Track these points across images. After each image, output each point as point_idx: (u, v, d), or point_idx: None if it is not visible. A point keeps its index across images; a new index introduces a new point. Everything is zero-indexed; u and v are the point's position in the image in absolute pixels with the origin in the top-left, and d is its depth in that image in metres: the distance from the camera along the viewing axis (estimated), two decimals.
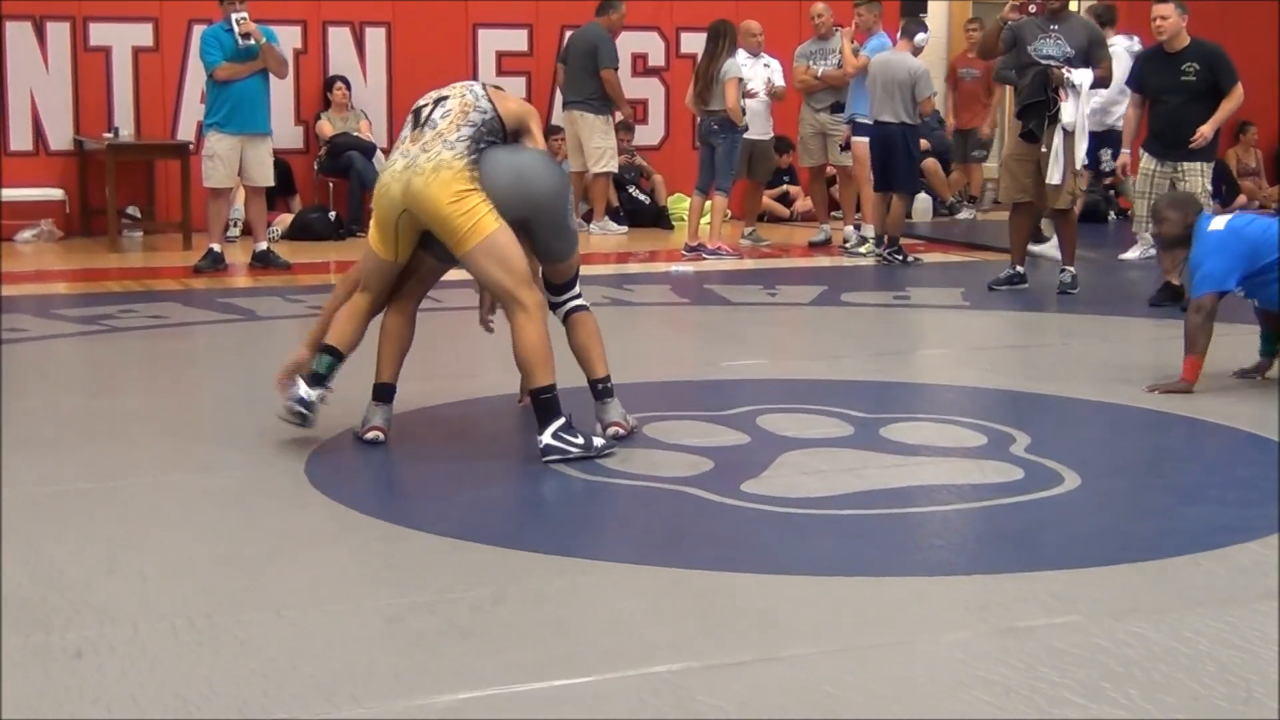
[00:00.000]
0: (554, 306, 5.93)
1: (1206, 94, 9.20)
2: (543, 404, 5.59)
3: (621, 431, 5.86)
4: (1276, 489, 5.24)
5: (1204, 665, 3.67)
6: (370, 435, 5.86)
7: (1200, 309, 6.75)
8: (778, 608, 4.12)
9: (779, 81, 12.71)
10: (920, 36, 12.24)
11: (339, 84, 13.61)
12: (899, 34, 12.40)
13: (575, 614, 4.12)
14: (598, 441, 5.65)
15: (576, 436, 5.58)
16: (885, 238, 11.78)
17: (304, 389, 5.66)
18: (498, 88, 6.07)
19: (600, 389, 5.94)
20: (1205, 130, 9.03)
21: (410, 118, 5.88)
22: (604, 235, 13.38)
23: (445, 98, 5.83)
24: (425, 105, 5.85)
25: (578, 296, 6.00)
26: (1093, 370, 7.44)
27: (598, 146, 13.21)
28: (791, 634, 3.93)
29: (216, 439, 5.92)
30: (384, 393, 5.92)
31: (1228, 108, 9.22)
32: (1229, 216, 7.15)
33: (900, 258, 11.66)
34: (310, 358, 5.82)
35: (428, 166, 5.57)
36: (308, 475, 5.39)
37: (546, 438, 5.56)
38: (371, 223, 5.83)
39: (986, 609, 4.13)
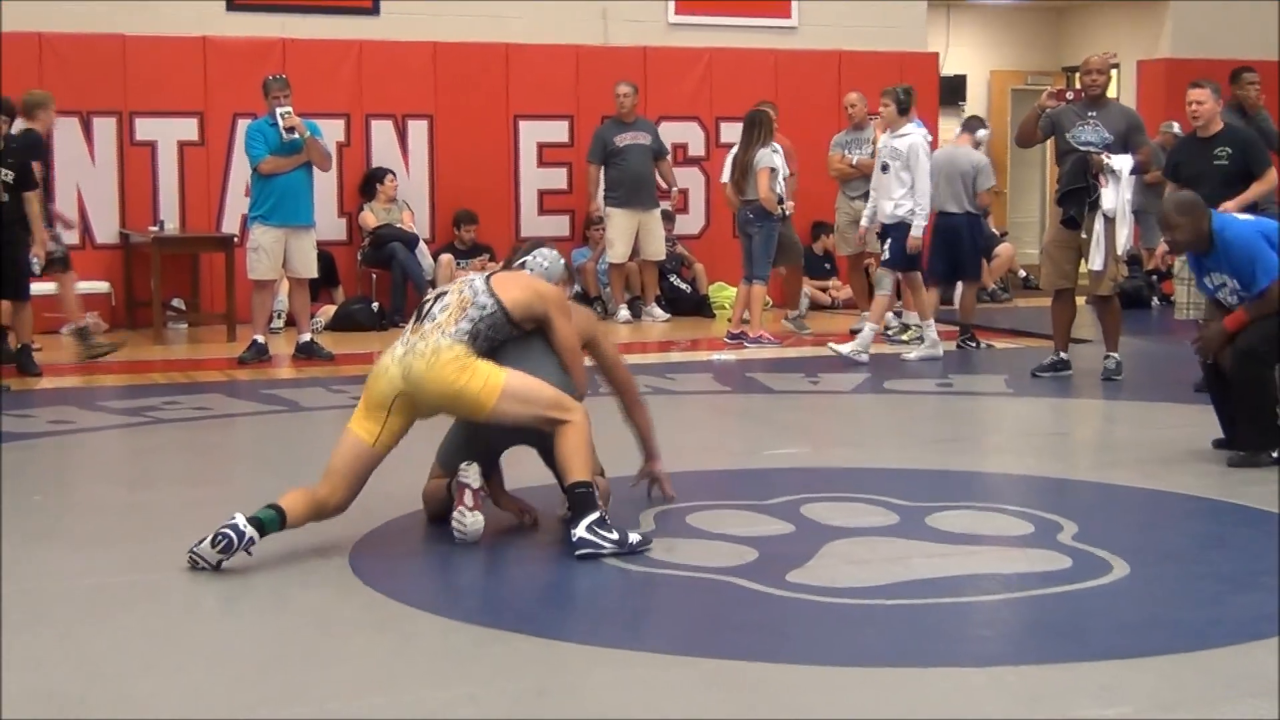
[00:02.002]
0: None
1: (1239, 179, 9.13)
2: (578, 499, 5.58)
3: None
4: None
5: None
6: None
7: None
8: (822, 700, 4.08)
9: (789, 169, 12.68)
10: (981, 133, 12.50)
11: (390, 175, 13.71)
12: (960, 129, 12.56)
13: (620, 706, 4.08)
14: (633, 537, 5.60)
15: (611, 532, 5.54)
16: (960, 326, 11.97)
17: (242, 522, 5.46)
18: (522, 266, 6.14)
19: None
20: (1230, 206, 8.96)
21: (415, 313, 5.96)
22: (652, 323, 13.55)
23: (445, 293, 5.91)
24: (428, 301, 5.94)
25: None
26: (1138, 456, 7.38)
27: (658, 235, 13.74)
28: None
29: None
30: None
31: (1257, 189, 9.14)
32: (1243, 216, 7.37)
33: (974, 344, 11.65)
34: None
35: (427, 351, 5.66)
36: (350, 565, 5.38)
37: (581, 531, 5.53)
38: (358, 407, 5.80)
39: (1036, 701, 4.08)
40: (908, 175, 11.04)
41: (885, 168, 11.26)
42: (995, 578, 5.29)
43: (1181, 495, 6.59)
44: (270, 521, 5.43)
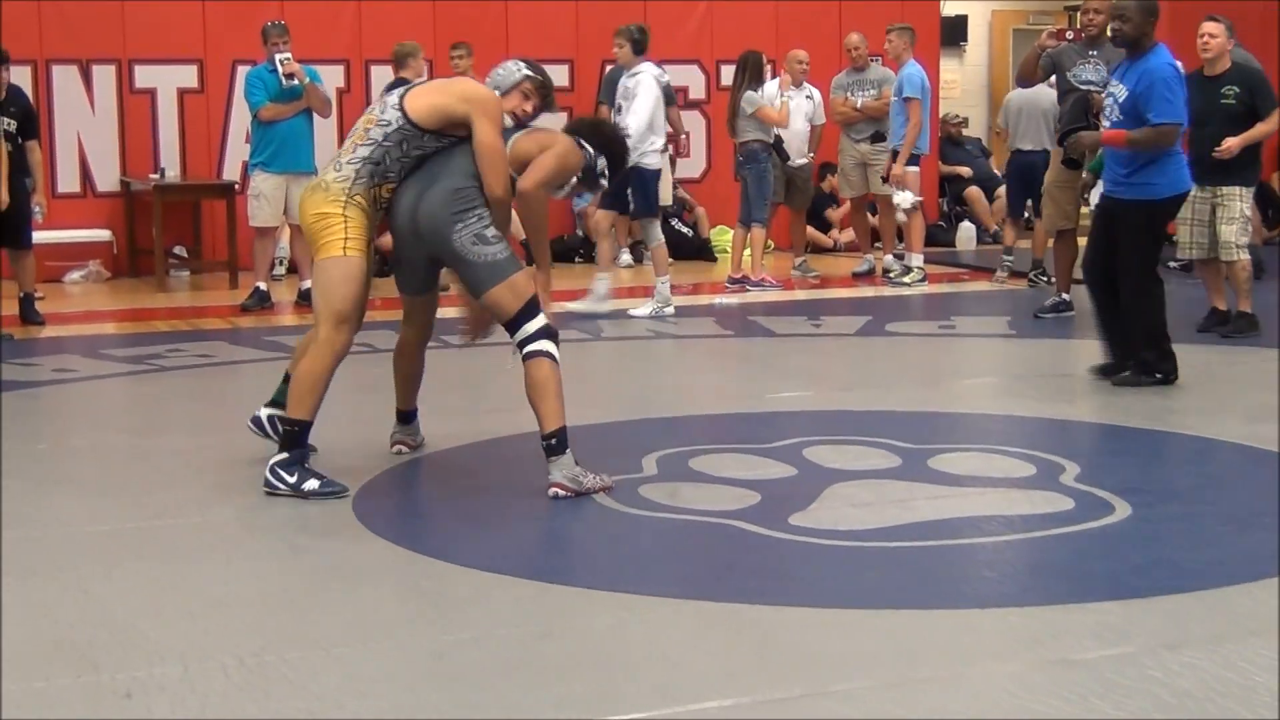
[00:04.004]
0: (519, 345, 5.59)
1: (1245, 118, 9.07)
2: (288, 435, 5.59)
3: (560, 494, 5.49)
4: None
5: (1259, 695, 3.62)
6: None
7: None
8: (826, 642, 4.09)
9: (819, 116, 12.76)
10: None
11: None
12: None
13: (623, 650, 4.10)
14: (310, 484, 5.54)
15: (292, 476, 5.54)
16: (1030, 261, 11.93)
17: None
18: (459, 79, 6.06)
19: (545, 445, 5.55)
20: (1232, 143, 8.91)
21: None
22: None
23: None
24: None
25: (533, 339, 5.52)
26: (1140, 398, 7.37)
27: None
28: (841, 668, 3.89)
29: (262, 475, 5.91)
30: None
31: (1262, 129, 9.10)
32: None
33: (1046, 279, 11.54)
34: None
35: (314, 183, 5.75)
36: (354, 511, 5.39)
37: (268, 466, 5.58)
38: None
39: (1038, 641, 4.09)
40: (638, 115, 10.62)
41: (618, 108, 10.90)
42: (998, 519, 5.29)
43: (1183, 435, 6.60)
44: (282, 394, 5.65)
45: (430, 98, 5.67)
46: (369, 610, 4.41)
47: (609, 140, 6.13)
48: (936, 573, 4.74)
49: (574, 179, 5.96)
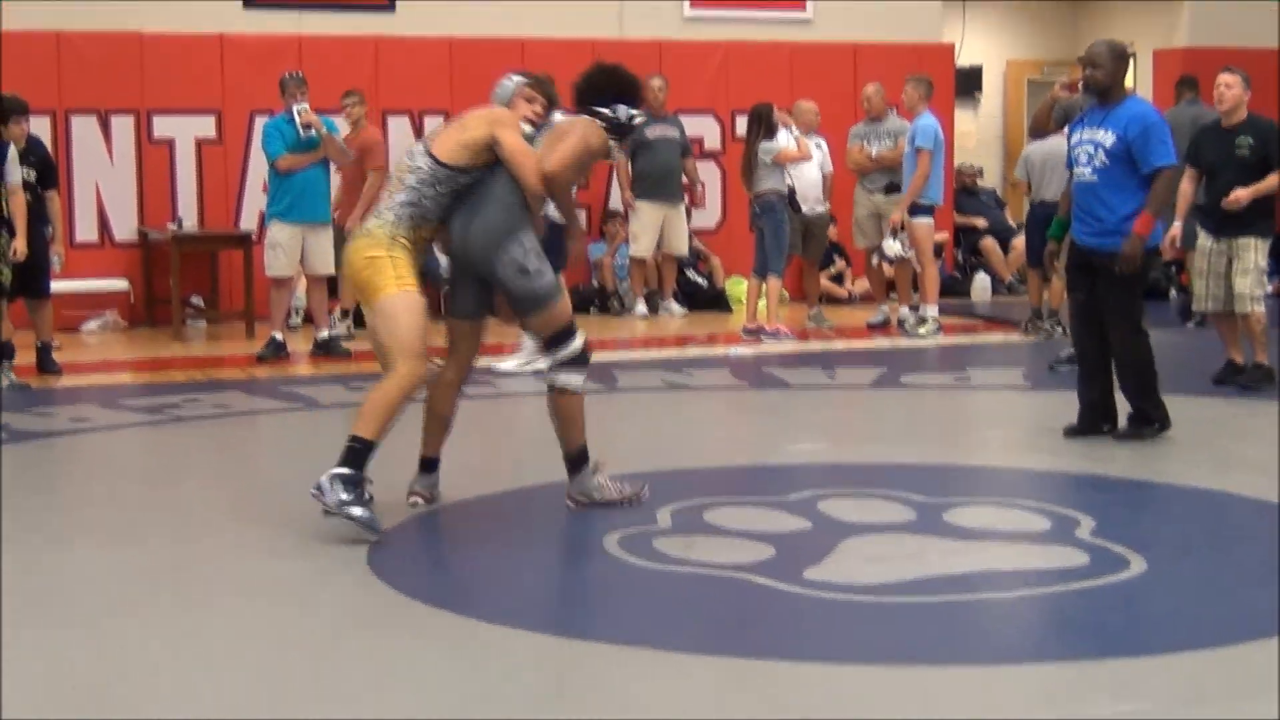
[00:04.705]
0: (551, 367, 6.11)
1: (1258, 169, 9.06)
2: (346, 449, 5.67)
3: (572, 506, 6.10)
4: None
5: None
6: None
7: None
8: (841, 699, 4.08)
9: (829, 165, 12.83)
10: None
11: None
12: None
13: (637, 704, 4.09)
14: (356, 511, 5.63)
15: (343, 493, 5.59)
16: (1045, 310, 11.89)
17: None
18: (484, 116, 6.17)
19: (567, 465, 6.13)
20: (1242, 194, 8.91)
21: None
22: (669, 318, 13.62)
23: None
24: None
25: (562, 367, 6.03)
26: (1155, 451, 7.37)
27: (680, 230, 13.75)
28: None
29: (278, 526, 5.94)
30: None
31: (1273, 180, 9.08)
32: None
33: (1063, 329, 11.52)
34: None
35: (358, 230, 6.00)
36: (369, 563, 5.39)
37: (327, 474, 5.62)
38: None
39: (1054, 698, 4.08)
40: None
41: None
42: (1013, 574, 5.28)
43: (1199, 490, 6.58)
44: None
45: (453, 137, 5.98)
46: (382, 663, 4.41)
47: (613, 84, 6.33)
48: (952, 628, 4.73)
49: (608, 147, 6.28)
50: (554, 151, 5.98)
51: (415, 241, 5.90)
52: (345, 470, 5.60)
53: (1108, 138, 7.40)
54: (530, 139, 6.09)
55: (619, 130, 6.23)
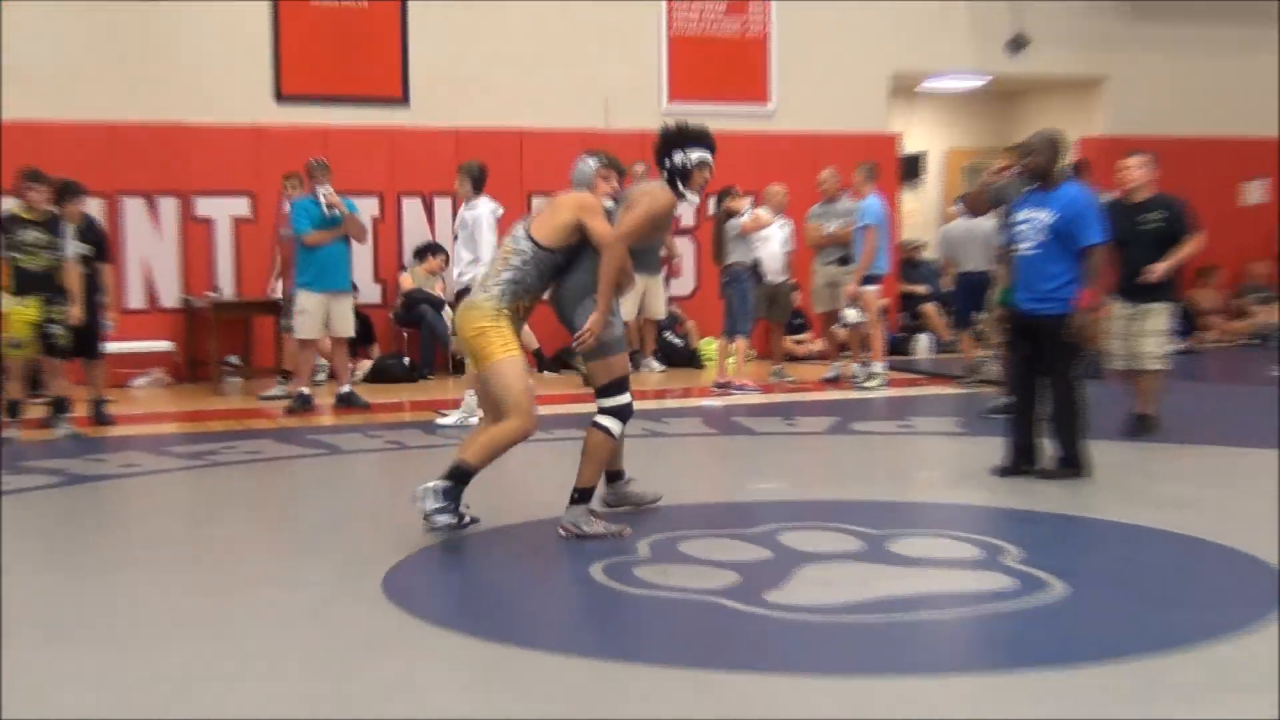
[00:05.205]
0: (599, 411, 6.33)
1: (1168, 242, 9.05)
2: (451, 467, 5.98)
3: (562, 534, 6.18)
4: (1239, 593, 5.20)
5: None
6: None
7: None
8: (796, 705, 4.11)
9: (791, 243, 12.97)
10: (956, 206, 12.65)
11: (442, 254, 13.68)
12: (954, 205, 12.77)
13: (618, 710, 4.11)
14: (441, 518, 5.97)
15: (441, 503, 5.94)
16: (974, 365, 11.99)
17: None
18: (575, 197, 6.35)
19: (571, 496, 6.26)
20: (1159, 268, 8.93)
21: None
22: (649, 373, 13.62)
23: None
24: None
25: (605, 413, 6.28)
26: (1075, 489, 7.41)
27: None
28: None
29: (304, 556, 5.95)
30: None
31: (1184, 252, 9.09)
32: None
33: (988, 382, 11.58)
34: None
35: (467, 303, 6.17)
36: (384, 590, 5.41)
37: (428, 483, 5.93)
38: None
39: (982, 704, 4.11)
40: (473, 245, 10.33)
41: (456, 236, 10.72)
42: (949, 596, 5.31)
43: (1114, 523, 6.61)
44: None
45: (549, 222, 6.21)
46: (389, 682, 4.42)
47: (683, 136, 6.57)
48: (894, 643, 4.76)
49: (674, 203, 6.45)
50: (620, 224, 6.25)
51: (516, 310, 6.14)
52: (445, 483, 5.94)
53: (1049, 216, 7.46)
54: (610, 213, 6.35)
55: (690, 175, 6.46)
